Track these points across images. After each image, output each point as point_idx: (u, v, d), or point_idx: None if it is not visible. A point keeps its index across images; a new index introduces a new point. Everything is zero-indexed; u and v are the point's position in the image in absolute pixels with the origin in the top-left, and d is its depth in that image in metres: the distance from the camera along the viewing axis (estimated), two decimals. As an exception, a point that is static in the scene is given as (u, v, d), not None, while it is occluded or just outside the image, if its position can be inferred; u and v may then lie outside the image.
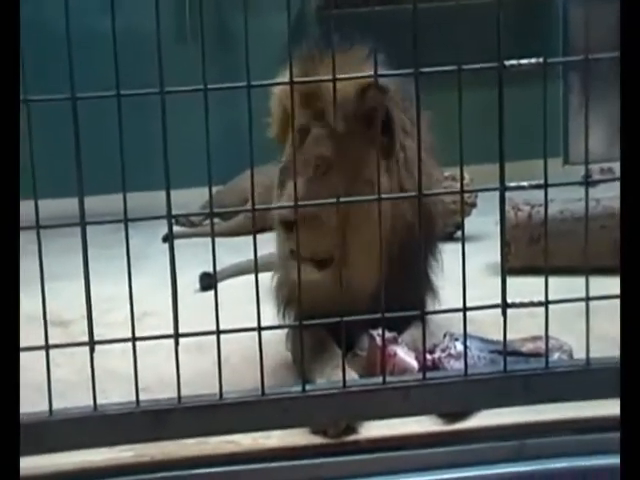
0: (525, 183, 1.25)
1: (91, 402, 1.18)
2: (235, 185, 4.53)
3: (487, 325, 1.37)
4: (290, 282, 1.71)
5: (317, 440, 1.31)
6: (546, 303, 1.24)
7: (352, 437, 1.32)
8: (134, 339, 1.21)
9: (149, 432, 1.19)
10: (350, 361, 1.60)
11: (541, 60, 1.21)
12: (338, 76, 1.25)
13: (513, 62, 1.20)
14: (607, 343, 1.24)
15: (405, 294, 1.53)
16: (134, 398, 1.20)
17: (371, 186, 1.60)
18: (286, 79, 1.46)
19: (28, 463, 1.13)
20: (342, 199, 1.31)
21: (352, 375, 1.52)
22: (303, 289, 1.49)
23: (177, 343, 1.20)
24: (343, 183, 1.59)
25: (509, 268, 2.60)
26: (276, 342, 1.89)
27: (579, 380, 1.25)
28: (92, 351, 1.20)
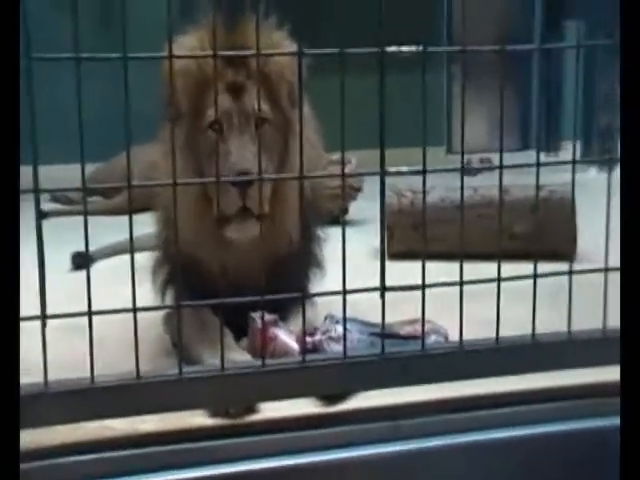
0: (404, 168, 1.27)
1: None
2: (117, 162, 4.40)
3: (368, 308, 1.38)
4: (213, 249, 1.68)
5: (193, 424, 1.29)
6: (423, 287, 1.27)
7: (228, 421, 1.31)
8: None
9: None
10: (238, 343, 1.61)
11: (421, 48, 1.22)
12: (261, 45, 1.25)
13: (393, 48, 1.21)
14: (480, 326, 1.28)
15: (294, 270, 1.56)
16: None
17: (295, 137, 1.68)
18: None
19: None
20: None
21: (246, 357, 1.54)
22: (227, 251, 1.61)
23: (44, 325, 1.14)
24: (277, 137, 1.73)
25: (392, 253, 2.69)
26: (159, 324, 1.85)
27: (454, 361, 1.29)
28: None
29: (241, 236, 1.65)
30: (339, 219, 2.83)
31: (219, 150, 1.63)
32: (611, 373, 1.24)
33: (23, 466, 1.16)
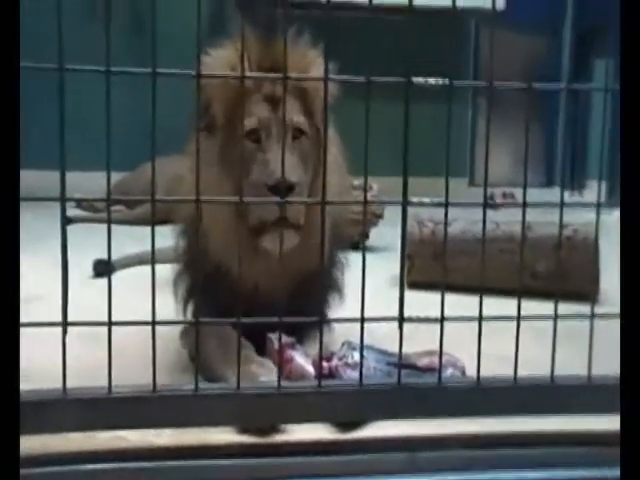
0: (427, 200, 1.27)
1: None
2: (142, 172, 4.45)
3: (386, 337, 1.38)
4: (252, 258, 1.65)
5: (207, 441, 1.28)
6: (441, 320, 1.26)
7: (239, 441, 1.30)
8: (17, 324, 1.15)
9: (29, 424, 1.12)
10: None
11: (447, 81, 1.23)
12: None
13: (420, 79, 1.21)
14: (498, 362, 1.28)
15: (316, 292, 1.55)
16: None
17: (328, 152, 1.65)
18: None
19: None
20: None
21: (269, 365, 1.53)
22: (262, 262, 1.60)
23: (65, 332, 1.15)
24: (313, 149, 1.73)
25: (412, 282, 2.68)
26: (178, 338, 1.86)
27: (470, 397, 1.28)
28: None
29: (277, 246, 1.62)
30: (359, 244, 2.84)
31: (256, 158, 1.64)
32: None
33: (34, 471, 1.17)
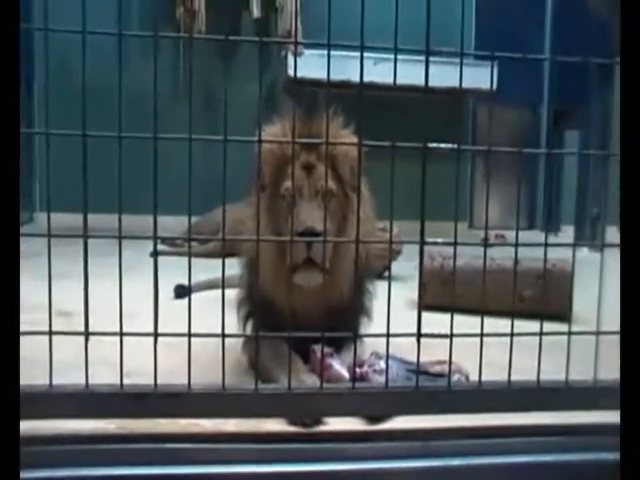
0: (439, 240, 1.29)
1: (84, 381, 1.16)
2: (210, 216, 4.52)
3: (406, 348, 1.37)
4: (282, 292, 1.65)
5: (264, 429, 1.29)
6: (451, 336, 1.26)
7: (289, 430, 1.30)
8: (121, 334, 1.19)
9: (129, 410, 1.16)
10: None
11: (455, 146, 1.25)
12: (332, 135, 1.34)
13: (434, 145, 1.23)
14: (495, 369, 1.27)
15: (349, 315, 1.56)
16: (119, 381, 1.18)
17: (353, 212, 1.68)
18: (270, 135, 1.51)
19: (28, 426, 1.09)
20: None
21: (313, 377, 1.53)
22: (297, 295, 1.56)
23: (156, 341, 1.18)
24: (338, 208, 1.73)
25: (424, 305, 2.65)
26: (237, 349, 1.86)
27: (473, 397, 1.27)
28: (87, 340, 1.17)
29: (305, 283, 1.63)
30: (383, 275, 2.83)
31: (292, 212, 1.66)
32: (601, 417, 1.23)
33: (131, 446, 1.18)
